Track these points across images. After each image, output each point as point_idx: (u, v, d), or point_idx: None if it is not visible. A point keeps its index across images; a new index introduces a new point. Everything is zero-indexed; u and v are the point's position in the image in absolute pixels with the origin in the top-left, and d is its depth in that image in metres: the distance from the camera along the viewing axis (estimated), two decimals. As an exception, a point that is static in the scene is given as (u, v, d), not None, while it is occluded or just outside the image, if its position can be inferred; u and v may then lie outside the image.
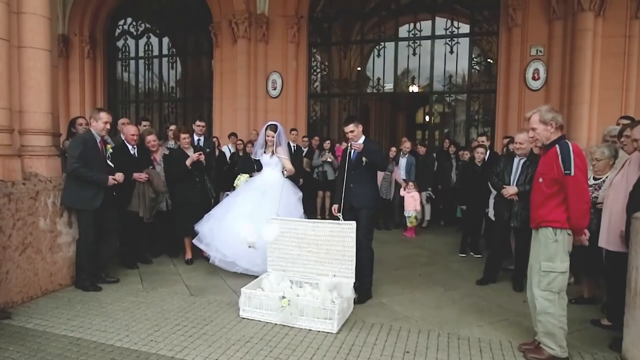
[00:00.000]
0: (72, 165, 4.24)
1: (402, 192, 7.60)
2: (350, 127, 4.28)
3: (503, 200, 4.75)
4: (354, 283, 4.03)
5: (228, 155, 8.40)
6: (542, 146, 3.16)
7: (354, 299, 4.06)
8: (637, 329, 2.93)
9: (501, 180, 4.81)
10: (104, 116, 4.40)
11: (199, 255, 5.55)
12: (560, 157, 2.92)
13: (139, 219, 5.10)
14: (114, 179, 4.41)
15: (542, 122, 3.02)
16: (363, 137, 4.37)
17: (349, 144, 4.34)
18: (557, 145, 2.97)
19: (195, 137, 6.01)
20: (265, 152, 5.10)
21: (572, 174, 2.87)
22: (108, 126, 4.44)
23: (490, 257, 5.05)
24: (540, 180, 3.08)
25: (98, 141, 4.43)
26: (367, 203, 4.32)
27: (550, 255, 3.00)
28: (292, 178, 5.31)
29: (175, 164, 5.38)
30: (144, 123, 6.52)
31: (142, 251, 5.44)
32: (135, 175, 5.00)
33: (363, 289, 4.27)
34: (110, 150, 4.57)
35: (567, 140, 3.02)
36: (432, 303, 4.27)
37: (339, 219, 4.19)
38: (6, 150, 4.09)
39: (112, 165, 4.53)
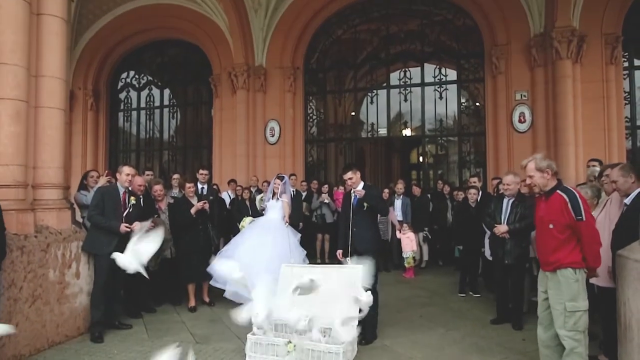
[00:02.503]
0: (89, 213, 4.72)
1: (398, 235, 7.75)
2: (349, 174, 4.50)
3: (496, 239, 4.95)
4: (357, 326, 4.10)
5: (228, 201, 8.58)
6: (539, 192, 3.28)
7: (360, 340, 4.13)
8: (631, 364, 3.04)
9: (493, 220, 5.04)
10: (127, 169, 4.79)
11: (202, 303, 5.62)
12: (569, 204, 3.08)
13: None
14: (127, 226, 4.57)
15: (539, 169, 3.20)
16: (362, 183, 4.58)
17: (351, 190, 4.55)
18: (563, 194, 3.13)
19: (199, 186, 6.22)
20: (272, 198, 5.84)
21: (584, 219, 3.05)
22: (130, 178, 4.79)
23: (499, 296, 5.13)
24: (551, 226, 3.18)
25: (121, 192, 4.75)
26: (370, 246, 4.48)
27: (573, 294, 3.10)
28: (292, 222, 5.82)
29: (180, 213, 5.58)
30: (147, 172, 6.78)
31: (146, 300, 5.50)
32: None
33: (369, 330, 4.35)
34: (134, 201, 4.83)
35: (567, 187, 3.20)
36: (434, 344, 4.33)
37: (342, 264, 4.33)
38: (20, 205, 4.27)
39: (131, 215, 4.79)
